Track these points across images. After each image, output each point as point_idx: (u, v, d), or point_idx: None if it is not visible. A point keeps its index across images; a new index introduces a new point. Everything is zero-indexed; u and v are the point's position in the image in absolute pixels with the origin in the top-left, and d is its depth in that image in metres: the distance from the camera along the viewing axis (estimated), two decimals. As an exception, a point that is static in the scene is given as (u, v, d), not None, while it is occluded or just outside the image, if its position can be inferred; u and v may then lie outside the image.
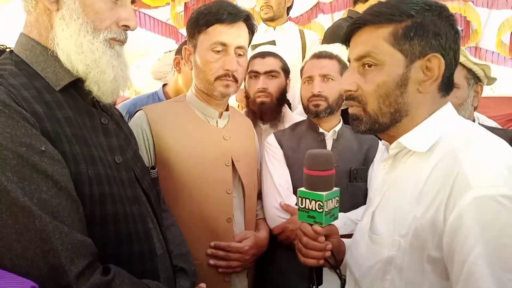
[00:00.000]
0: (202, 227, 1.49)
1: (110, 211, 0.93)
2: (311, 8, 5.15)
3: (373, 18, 0.95)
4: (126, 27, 1.01)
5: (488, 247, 0.76)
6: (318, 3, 5.16)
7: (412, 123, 0.97)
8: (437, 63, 0.92)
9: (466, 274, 0.78)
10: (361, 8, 2.65)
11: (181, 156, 1.48)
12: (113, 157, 1.00)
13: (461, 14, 4.77)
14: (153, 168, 1.25)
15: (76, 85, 0.98)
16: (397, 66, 0.94)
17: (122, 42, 1.02)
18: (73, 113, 0.93)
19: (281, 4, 2.76)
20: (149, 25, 5.15)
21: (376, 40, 0.95)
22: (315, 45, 2.75)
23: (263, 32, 2.77)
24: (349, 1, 4.70)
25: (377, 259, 0.95)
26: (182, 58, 1.88)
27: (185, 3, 4.92)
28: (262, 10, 2.71)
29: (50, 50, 0.94)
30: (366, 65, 0.97)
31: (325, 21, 5.50)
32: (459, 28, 0.97)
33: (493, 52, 5.24)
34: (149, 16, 5.13)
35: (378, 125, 0.99)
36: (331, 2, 5.12)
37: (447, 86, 0.98)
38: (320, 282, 1.17)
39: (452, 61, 0.95)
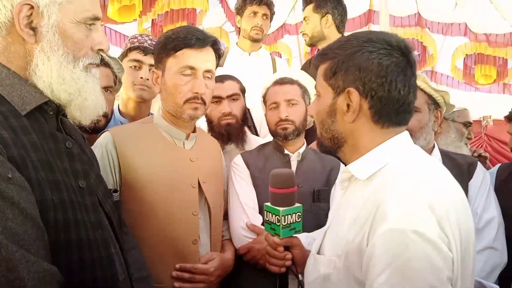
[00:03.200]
0: (167, 248, 1.48)
1: (74, 237, 0.92)
2: (277, 29, 5.28)
3: (317, 57, 1.11)
4: (100, 50, 1.04)
5: (392, 277, 0.82)
6: (284, 24, 5.30)
7: (356, 151, 1.04)
8: (353, 96, 1.00)
9: None
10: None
11: (147, 178, 1.48)
12: (77, 182, 1.00)
13: (418, 39, 5.04)
14: (115, 191, 1.25)
15: (41, 108, 0.98)
16: (327, 98, 1.06)
17: (97, 64, 1.05)
18: (38, 137, 0.93)
19: (267, 29, 2.84)
20: (116, 40, 5.11)
21: (318, 75, 1.09)
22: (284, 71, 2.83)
23: (239, 56, 2.83)
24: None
25: (317, 275, 1.04)
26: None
27: (152, 19, 4.93)
28: (254, 30, 2.73)
29: (18, 75, 0.94)
30: (316, 96, 1.11)
31: (291, 41, 5.66)
32: (402, 60, 0.99)
33: (448, 76, 5.55)
34: (116, 31, 5.09)
35: (325, 147, 1.11)
36: (296, 23, 5.28)
37: (386, 117, 1.00)
38: (285, 286, 1.32)
39: (381, 93, 0.97)
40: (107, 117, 1.94)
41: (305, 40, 2.83)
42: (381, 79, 0.97)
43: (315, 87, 1.13)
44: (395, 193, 0.90)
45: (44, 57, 0.94)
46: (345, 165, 1.11)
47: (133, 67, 2.18)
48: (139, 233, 1.44)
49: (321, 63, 1.08)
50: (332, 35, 2.71)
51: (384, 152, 1.00)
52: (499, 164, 1.95)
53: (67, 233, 0.91)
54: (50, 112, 1.00)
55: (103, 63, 1.91)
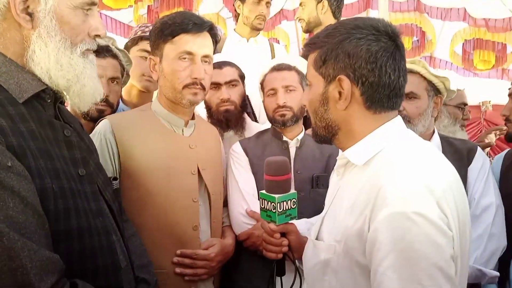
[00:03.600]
0: (168, 235, 1.49)
1: (75, 226, 0.92)
2: (275, 15, 5.23)
3: (306, 47, 1.10)
4: (97, 36, 1.03)
5: (397, 260, 0.83)
6: (282, 10, 5.26)
7: (351, 137, 1.05)
8: (345, 83, 1.00)
9: (377, 282, 0.86)
10: None
11: (146, 165, 1.48)
12: (76, 170, 1.00)
13: (417, 24, 5.00)
14: (115, 179, 1.25)
15: (38, 96, 0.97)
16: (318, 87, 1.06)
17: (94, 50, 1.04)
18: (36, 126, 0.92)
19: (268, 17, 2.80)
20: (111, 27, 5.06)
21: (308, 64, 1.10)
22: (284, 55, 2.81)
23: (237, 42, 2.79)
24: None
25: (317, 260, 1.05)
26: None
27: (148, 5, 4.87)
28: (257, 19, 2.68)
29: (14, 62, 0.93)
30: (307, 85, 1.13)
31: (289, 27, 5.61)
32: (390, 45, 0.99)
33: (446, 61, 5.53)
34: (111, 18, 5.03)
35: (320, 137, 1.12)
36: (294, 9, 5.23)
37: (378, 102, 1.01)
38: (282, 273, 1.33)
39: (372, 79, 0.98)
40: (113, 107, 1.93)
41: (302, 26, 2.80)
42: (371, 65, 0.98)
43: (306, 76, 1.12)
44: (394, 177, 0.90)
45: (42, 43, 0.93)
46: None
47: (144, 57, 2.16)
48: (139, 220, 1.45)
49: (310, 52, 1.08)
50: (328, 21, 2.67)
51: (379, 138, 1.02)
52: (507, 150, 1.93)
53: (68, 221, 0.91)
54: (48, 99, 0.99)
55: (111, 54, 1.91)
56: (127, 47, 2.27)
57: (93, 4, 1.00)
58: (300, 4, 2.76)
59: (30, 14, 0.92)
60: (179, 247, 1.50)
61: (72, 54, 0.97)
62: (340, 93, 1.01)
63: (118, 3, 4.45)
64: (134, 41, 2.24)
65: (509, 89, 1.80)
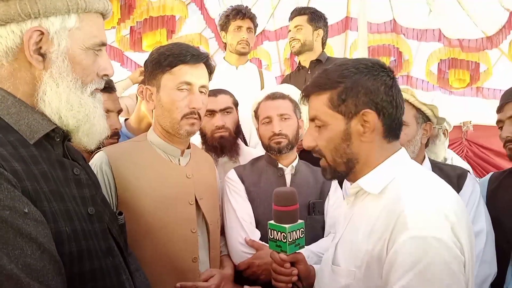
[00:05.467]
0: (167, 267, 1.47)
1: (88, 268, 0.91)
2: (256, 36, 5.30)
3: (313, 89, 1.14)
4: (105, 76, 1.04)
5: (413, 280, 0.89)
6: (263, 30, 5.34)
7: (366, 167, 1.11)
8: (370, 116, 1.06)
9: None
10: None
11: (144, 196, 1.47)
12: (86, 209, 0.98)
13: (394, 45, 5.17)
14: (120, 213, 1.23)
15: (48, 135, 0.96)
16: (338, 124, 1.10)
17: (101, 89, 1.05)
18: (48, 166, 0.91)
19: (252, 41, 2.90)
20: (93, 48, 5.01)
21: (319, 105, 1.13)
22: (272, 84, 2.89)
23: (227, 70, 2.86)
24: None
25: (336, 286, 1.09)
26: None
27: (130, 26, 4.86)
28: (240, 44, 2.80)
29: (24, 102, 0.92)
30: (317, 126, 1.15)
31: (270, 47, 5.70)
32: (390, 79, 1.10)
33: (423, 80, 5.71)
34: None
35: (338, 173, 1.16)
36: (275, 30, 5.33)
37: (392, 132, 1.11)
38: None
39: (390, 110, 1.08)
40: (119, 136, 2.01)
41: (293, 46, 2.89)
42: (389, 97, 1.07)
43: (317, 117, 1.14)
44: (412, 203, 0.97)
45: (53, 83, 0.93)
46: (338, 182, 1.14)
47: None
48: (138, 252, 1.41)
49: (316, 94, 1.13)
50: (317, 49, 2.89)
51: (391, 167, 1.09)
52: (491, 173, 1.99)
53: (81, 264, 0.89)
54: (57, 139, 0.98)
55: (111, 88, 1.99)
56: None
57: (103, 45, 1.01)
58: (296, 27, 2.86)
59: (43, 55, 0.92)
60: (179, 280, 1.48)
61: (82, 94, 0.97)
62: (363, 126, 1.07)
63: (100, 25, 4.42)
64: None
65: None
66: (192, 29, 5.22)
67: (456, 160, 2.68)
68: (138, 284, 1.22)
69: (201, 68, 1.55)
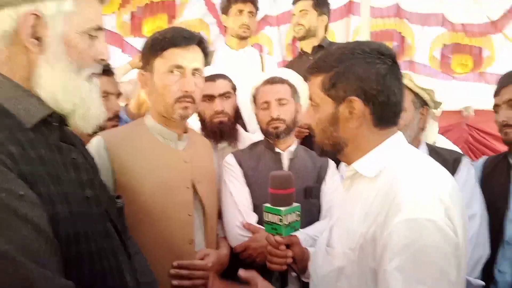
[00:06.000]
0: (163, 250, 1.49)
1: (85, 250, 0.92)
2: (258, 21, 5.25)
3: (312, 70, 1.16)
4: (102, 60, 1.04)
5: (406, 261, 0.90)
6: (265, 16, 5.28)
7: (358, 151, 1.12)
8: (356, 104, 1.06)
9: (384, 281, 0.92)
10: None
11: (141, 180, 1.48)
12: (84, 192, 1.00)
13: (397, 30, 5.10)
14: (118, 197, 1.25)
15: (45, 120, 0.97)
16: (328, 108, 1.12)
17: (98, 74, 1.05)
18: (45, 150, 0.92)
19: (254, 26, 2.87)
20: (93, 33, 4.99)
21: (313, 87, 1.16)
22: (272, 69, 2.86)
23: (227, 54, 2.83)
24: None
25: (330, 268, 1.10)
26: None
27: (131, 12, 4.82)
28: (241, 28, 2.77)
29: (21, 86, 0.93)
30: (312, 105, 1.18)
31: (272, 33, 5.64)
32: (386, 66, 1.07)
33: (425, 65, 5.64)
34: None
35: (326, 152, 1.18)
36: (277, 15, 5.26)
37: (384, 120, 1.10)
38: (285, 284, 1.37)
39: (381, 99, 1.06)
40: (119, 119, 2.03)
41: (297, 31, 2.86)
42: (381, 86, 1.05)
43: (310, 97, 1.18)
44: (407, 186, 0.97)
45: (48, 67, 0.93)
46: (336, 163, 1.13)
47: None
48: (134, 235, 1.43)
49: (314, 75, 1.15)
50: (320, 35, 2.87)
51: (386, 151, 1.09)
52: (486, 157, 2.00)
53: (78, 246, 0.91)
54: (54, 123, 0.99)
55: (110, 71, 1.98)
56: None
57: (100, 29, 1.01)
58: (301, 11, 2.83)
59: (38, 39, 0.92)
60: (175, 261, 1.50)
61: (78, 78, 0.97)
62: (350, 112, 1.07)
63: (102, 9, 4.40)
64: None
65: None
66: (193, 15, 5.15)
67: (446, 145, 2.66)
68: (138, 267, 1.24)
69: (194, 51, 1.54)
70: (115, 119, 2.00)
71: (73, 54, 0.96)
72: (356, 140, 1.11)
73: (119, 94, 2.05)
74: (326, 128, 1.13)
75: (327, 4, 2.88)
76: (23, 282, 0.75)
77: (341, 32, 5.51)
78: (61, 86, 0.94)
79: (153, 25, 4.74)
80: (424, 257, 0.89)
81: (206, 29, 5.36)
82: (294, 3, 2.91)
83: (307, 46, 2.87)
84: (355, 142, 1.11)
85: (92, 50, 1.00)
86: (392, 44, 5.41)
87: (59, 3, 0.94)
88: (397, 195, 0.96)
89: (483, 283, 1.64)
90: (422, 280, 0.88)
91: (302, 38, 2.88)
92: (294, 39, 5.22)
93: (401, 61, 5.61)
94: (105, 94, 1.89)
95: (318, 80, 1.13)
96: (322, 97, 1.12)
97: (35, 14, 0.91)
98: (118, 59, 3.72)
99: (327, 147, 1.16)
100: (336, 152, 1.16)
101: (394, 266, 0.90)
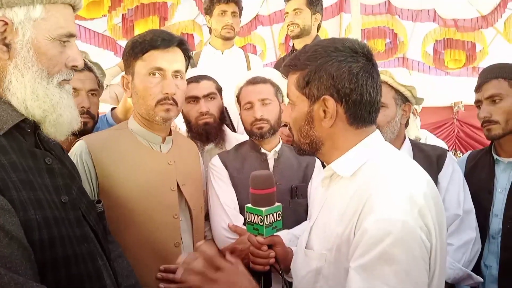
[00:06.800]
0: (150, 253, 1.49)
1: (60, 254, 0.93)
2: (250, 21, 5.25)
3: (287, 68, 1.15)
4: (74, 67, 1.04)
5: (372, 259, 0.89)
6: (257, 15, 5.28)
7: (335, 150, 1.11)
8: (329, 103, 1.05)
9: (349, 278, 0.93)
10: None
11: (125, 184, 1.48)
12: (59, 197, 1.00)
13: (389, 27, 5.11)
14: (98, 202, 1.25)
15: (18, 126, 0.97)
16: (303, 106, 1.11)
17: (70, 80, 1.05)
18: (17, 156, 0.93)
19: (238, 26, 2.87)
20: (85, 37, 4.98)
21: (290, 84, 1.15)
22: (258, 68, 2.86)
23: (212, 54, 2.83)
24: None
25: (308, 269, 1.10)
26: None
27: (122, 14, 4.82)
28: (225, 29, 2.77)
29: None
30: (289, 103, 1.17)
31: (265, 32, 5.64)
32: (358, 65, 1.05)
33: (418, 62, 5.65)
34: (85, 27, 4.96)
35: (303, 151, 1.17)
36: (269, 14, 5.27)
37: (359, 118, 1.07)
38: (269, 285, 1.37)
39: (354, 97, 1.05)
40: (95, 119, 1.98)
41: (292, 30, 2.86)
42: (353, 85, 1.04)
43: (288, 95, 1.17)
44: (381, 187, 0.97)
45: (18, 74, 0.94)
46: (322, 162, 1.14)
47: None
48: (120, 239, 1.43)
49: (290, 73, 1.14)
50: (313, 33, 2.87)
51: (363, 150, 1.08)
52: (469, 152, 2.01)
53: (53, 250, 0.91)
54: (28, 129, 1.00)
55: (87, 67, 1.94)
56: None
57: (71, 36, 1.01)
58: (295, 10, 2.82)
59: (7, 45, 0.93)
60: (162, 264, 1.50)
61: (48, 84, 0.98)
62: (325, 111, 1.06)
63: (92, 13, 4.38)
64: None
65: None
66: (185, 16, 5.16)
67: (430, 139, 2.68)
68: (119, 270, 1.24)
69: (175, 53, 1.54)
70: (84, 115, 1.88)
71: (43, 60, 0.96)
72: (332, 139, 1.10)
73: (92, 90, 1.96)
74: (302, 127, 1.12)
75: (320, 2, 2.88)
76: None
77: (334, 30, 5.52)
78: (30, 92, 0.95)
79: (145, 27, 4.71)
80: (390, 258, 0.88)
81: (199, 30, 5.36)
82: (286, 1, 2.91)
83: (300, 44, 2.87)
84: (331, 141, 1.10)
85: (64, 56, 1.00)
86: (384, 41, 5.43)
87: (28, 9, 0.94)
88: (371, 196, 0.96)
89: (481, 279, 1.65)
90: (385, 280, 0.88)
91: (297, 37, 2.87)
92: (287, 38, 5.23)
93: (394, 58, 5.62)
94: (73, 90, 1.83)
95: (293, 78, 1.12)
96: (297, 96, 1.12)
97: (3, 21, 0.91)
98: (111, 63, 3.71)
99: (304, 146, 1.15)
100: (313, 151, 1.15)
101: (360, 263, 0.91)
